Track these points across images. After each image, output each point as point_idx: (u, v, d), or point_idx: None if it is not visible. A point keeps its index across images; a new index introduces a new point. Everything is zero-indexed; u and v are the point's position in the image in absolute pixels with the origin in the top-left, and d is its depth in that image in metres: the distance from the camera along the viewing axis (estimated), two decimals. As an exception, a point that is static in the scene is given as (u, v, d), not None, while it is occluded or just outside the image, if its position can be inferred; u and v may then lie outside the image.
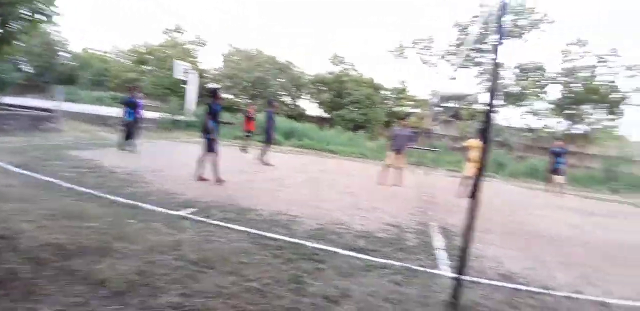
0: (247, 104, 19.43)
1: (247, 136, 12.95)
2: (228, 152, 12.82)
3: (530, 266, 4.38)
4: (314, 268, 3.37)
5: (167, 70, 24.36)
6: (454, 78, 24.45)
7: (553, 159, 12.17)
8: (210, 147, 6.90)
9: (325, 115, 28.14)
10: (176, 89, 23.94)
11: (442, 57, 24.33)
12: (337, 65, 29.51)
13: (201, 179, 6.82)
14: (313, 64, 49.50)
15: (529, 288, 3.69)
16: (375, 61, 48.06)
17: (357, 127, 23.57)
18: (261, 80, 25.74)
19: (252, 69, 26.29)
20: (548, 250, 5.30)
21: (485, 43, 21.04)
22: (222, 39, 56.74)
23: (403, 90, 25.81)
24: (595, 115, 21.41)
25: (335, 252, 3.88)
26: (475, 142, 8.74)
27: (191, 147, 11.02)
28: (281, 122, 18.97)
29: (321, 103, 27.44)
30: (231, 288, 2.84)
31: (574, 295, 3.67)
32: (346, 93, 24.63)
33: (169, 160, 9.40)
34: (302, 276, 3.16)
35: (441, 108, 25.16)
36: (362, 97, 23.87)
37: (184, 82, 21.24)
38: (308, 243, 4.03)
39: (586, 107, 21.00)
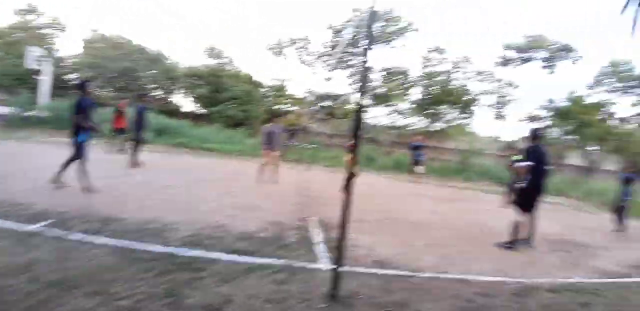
0: (118, 98, 17.68)
1: (116, 134, 11.75)
2: (93, 152, 11.58)
3: (401, 252, 4.85)
4: (191, 278, 3.21)
5: (18, 58, 20.75)
6: (330, 79, 25.52)
7: (413, 152, 13.72)
8: (79, 150, 6.03)
9: (202, 111, 27.06)
10: (28, 80, 20.58)
11: (318, 57, 25.26)
12: (214, 58, 28.58)
13: (60, 185, 5.98)
14: (188, 57, 47.15)
15: (400, 272, 4.06)
16: (254, 57, 47.44)
17: (236, 124, 23.14)
18: (129, 71, 23.51)
19: (118, 59, 23.88)
20: (415, 234, 5.93)
21: (358, 47, 22.49)
22: (85, 24, 50.67)
23: (282, 88, 26.11)
24: (451, 114, 24.53)
25: (214, 258, 3.75)
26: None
27: (48, 147, 9.68)
28: (152, 118, 17.71)
29: (197, 99, 26.26)
30: (98, 309, 2.57)
31: (440, 275, 4.16)
32: (224, 89, 23.95)
33: (19, 163, 8.06)
34: (179, 288, 2.98)
35: (317, 107, 26.18)
36: (242, 93, 23.48)
37: (37, 72, 18.44)
38: (184, 252, 3.82)
39: (443, 107, 23.88)
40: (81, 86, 6.45)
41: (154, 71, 25.01)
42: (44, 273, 2.94)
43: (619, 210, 8.53)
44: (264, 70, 52.05)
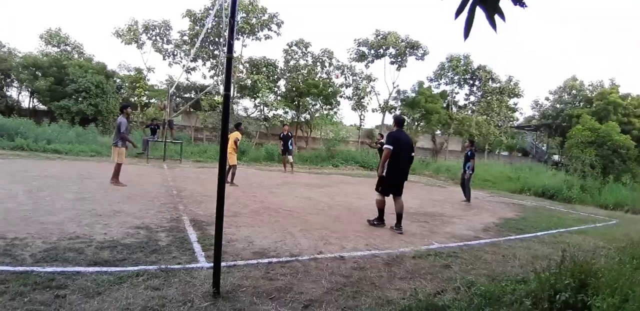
0: None
1: None
2: None
3: (278, 239, 4.92)
4: (53, 297, 2.76)
5: None
6: (192, 69, 24.32)
7: (282, 142, 14.26)
8: None
9: (43, 107, 23.46)
10: None
11: (178, 46, 23.83)
12: (55, 45, 24.85)
13: None
14: (26, 43, 40.31)
15: (280, 259, 4.12)
16: (106, 44, 42.86)
17: (86, 120, 20.59)
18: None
19: None
20: (291, 221, 6.07)
21: (220, 36, 21.77)
22: None
23: (139, 79, 24.02)
24: (316, 106, 25.55)
25: (76, 272, 3.28)
26: (233, 134, 9.62)
27: None
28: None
29: (36, 93, 22.60)
30: None
31: (318, 256, 4.34)
32: (69, 80, 20.98)
33: None
34: (40, 310, 2.58)
35: (180, 99, 24.81)
36: (91, 85, 20.86)
37: None
38: (40, 269, 3.27)
39: (308, 99, 24.71)
40: None
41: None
42: None
43: (464, 183, 9.98)
44: (117, 59, 47.33)
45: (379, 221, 6.31)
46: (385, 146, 6.08)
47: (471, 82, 30.22)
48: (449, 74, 29.68)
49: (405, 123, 6.55)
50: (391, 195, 6.17)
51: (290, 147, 14.40)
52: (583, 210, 10.99)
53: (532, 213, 9.34)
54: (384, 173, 6.04)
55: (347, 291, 3.37)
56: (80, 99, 20.77)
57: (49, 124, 17.37)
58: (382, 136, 15.39)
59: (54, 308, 2.64)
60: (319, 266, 3.99)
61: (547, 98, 35.19)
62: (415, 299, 3.22)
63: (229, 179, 9.32)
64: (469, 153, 9.87)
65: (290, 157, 14.33)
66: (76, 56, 25.17)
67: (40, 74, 22.17)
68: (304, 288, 3.38)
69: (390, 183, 6.09)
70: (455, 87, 30.73)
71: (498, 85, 29.89)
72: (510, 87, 30.01)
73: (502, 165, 21.91)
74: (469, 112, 31.68)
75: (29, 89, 23.12)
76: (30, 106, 24.31)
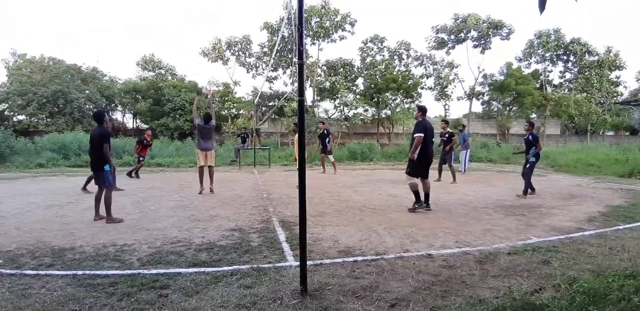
0: (52, 124, 16.33)
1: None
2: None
3: (363, 238, 4.91)
4: (156, 296, 3.07)
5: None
6: (274, 78, 25.36)
7: (321, 141, 13.41)
8: (107, 178, 5.93)
9: (145, 125, 26.14)
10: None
11: (259, 58, 25.00)
12: (150, 70, 27.59)
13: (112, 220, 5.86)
14: (125, 70, 45.59)
15: (365, 258, 4.10)
16: (195, 63, 46.60)
17: (183, 134, 22.55)
18: (61, 94, 22.18)
19: (47, 82, 22.45)
20: (375, 219, 6.02)
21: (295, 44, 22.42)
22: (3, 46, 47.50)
23: (228, 93, 25.66)
24: (397, 100, 25.11)
25: (177, 273, 3.61)
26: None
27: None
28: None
29: (138, 114, 25.30)
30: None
31: (404, 254, 4.25)
32: (166, 100, 23.15)
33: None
34: (145, 309, 2.85)
35: (265, 108, 25.99)
36: (185, 103, 22.82)
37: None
38: (145, 271, 3.65)
39: (387, 94, 24.39)
40: (99, 117, 6.18)
41: (87, 91, 23.69)
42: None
43: (524, 173, 8.46)
44: (206, 76, 51.04)
45: (418, 203, 6.72)
46: (416, 134, 6.60)
47: (565, 57, 27.49)
48: (539, 51, 27.30)
49: (426, 112, 7.10)
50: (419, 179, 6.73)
51: (328, 145, 13.64)
52: None
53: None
54: (415, 158, 6.59)
55: (436, 290, 3.25)
56: (177, 116, 22.82)
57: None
58: (463, 127, 14.52)
59: (157, 307, 2.91)
60: (406, 265, 3.91)
61: (654, 67, 30.69)
62: (510, 298, 3.00)
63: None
64: (530, 137, 8.33)
65: (330, 157, 13.71)
66: (170, 78, 27.63)
67: (140, 97, 24.81)
68: (390, 286, 3.33)
69: (420, 167, 6.67)
70: (548, 65, 28.21)
71: (596, 58, 26.79)
72: (610, 59, 26.71)
73: (608, 147, 19.47)
74: (566, 90, 28.83)
75: (132, 111, 25.94)
76: (134, 126, 27.16)
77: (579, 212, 6.65)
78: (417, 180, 6.72)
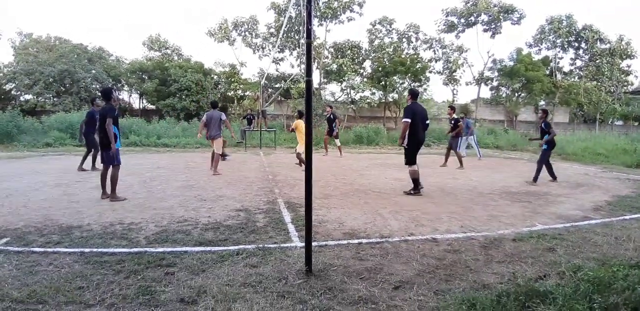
0: (59, 103, 16.10)
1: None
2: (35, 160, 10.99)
3: (368, 221, 4.93)
4: (163, 274, 3.11)
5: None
6: (280, 60, 25.07)
7: (328, 124, 13.29)
8: (117, 157, 5.94)
9: (151, 106, 26.06)
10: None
11: (265, 39, 24.64)
12: (156, 50, 27.35)
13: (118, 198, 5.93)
14: (131, 50, 45.24)
15: (370, 240, 4.13)
16: (201, 44, 46.10)
17: (189, 115, 22.48)
18: (67, 73, 22.08)
19: (54, 62, 22.33)
20: (380, 202, 6.05)
21: (302, 25, 22.03)
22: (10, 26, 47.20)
23: (234, 74, 25.41)
24: (404, 84, 24.81)
25: (184, 252, 3.65)
26: (301, 122, 9.48)
27: None
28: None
29: (145, 94, 25.21)
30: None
31: (409, 238, 4.27)
32: (172, 81, 23.00)
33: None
34: (152, 286, 2.89)
35: (271, 90, 25.80)
36: (191, 84, 22.66)
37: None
38: (152, 249, 3.70)
39: (395, 78, 24.07)
40: (107, 94, 6.10)
41: (93, 71, 23.55)
42: (10, 291, 2.76)
43: (540, 160, 8.45)
44: (213, 57, 50.65)
45: (416, 189, 6.78)
46: (403, 119, 6.63)
47: (576, 44, 26.94)
48: (550, 37, 26.74)
49: (418, 95, 7.16)
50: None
51: (335, 129, 13.58)
52: None
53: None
54: (405, 144, 6.65)
55: (440, 274, 3.27)
56: (183, 97, 22.68)
57: (157, 121, 19.36)
58: (465, 114, 14.32)
59: (163, 284, 2.95)
60: (410, 248, 3.92)
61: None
62: (514, 284, 3.00)
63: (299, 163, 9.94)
64: (543, 125, 8.32)
65: (337, 141, 13.63)
66: (176, 58, 27.37)
67: (146, 77, 24.64)
68: (394, 269, 3.35)
69: (414, 151, 6.68)
70: (559, 52, 27.68)
71: (607, 46, 26.20)
72: (621, 47, 26.12)
73: (617, 136, 19.24)
74: (576, 78, 28.35)
75: (138, 91, 25.80)
76: (140, 106, 27.11)
77: (585, 200, 6.61)
78: (416, 167, 6.72)
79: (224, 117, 8.94)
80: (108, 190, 5.97)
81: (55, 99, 22.82)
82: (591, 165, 12.33)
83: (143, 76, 24.91)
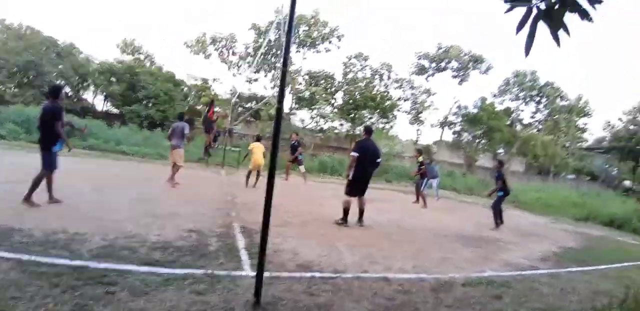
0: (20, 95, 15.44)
1: None
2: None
3: (323, 253, 4.85)
4: (102, 293, 2.90)
5: None
6: (255, 80, 25.19)
7: (292, 152, 13.44)
8: (53, 161, 5.49)
9: (115, 110, 25.23)
10: None
11: (242, 58, 24.80)
12: (129, 54, 26.82)
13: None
14: (103, 50, 44.02)
15: (323, 274, 4.05)
16: (176, 54, 45.57)
17: (153, 124, 21.87)
18: (33, 65, 21.12)
19: (21, 51, 21.35)
20: (338, 235, 6.01)
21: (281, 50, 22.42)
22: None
23: (205, 88, 25.17)
24: (372, 119, 25.45)
25: (128, 270, 3.43)
26: (256, 144, 9.98)
27: None
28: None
29: (110, 97, 24.43)
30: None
31: (362, 275, 4.23)
32: (141, 87, 22.46)
33: None
34: (89, 305, 2.68)
35: (242, 108, 25.71)
36: (160, 92, 22.18)
37: None
38: (95, 264, 3.45)
39: (364, 112, 24.69)
40: (55, 91, 5.72)
41: (61, 66, 22.69)
42: None
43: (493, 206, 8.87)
44: (185, 69, 50.15)
45: (343, 221, 6.83)
46: (351, 153, 6.91)
47: (537, 99, 28.77)
48: (514, 90, 28.46)
49: (373, 132, 7.35)
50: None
51: (300, 157, 13.76)
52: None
53: (597, 243, 8.62)
54: (350, 177, 6.84)
55: (390, 314, 3.24)
56: (149, 105, 22.15)
57: (119, 127, 18.67)
58: (431, 162, 14.81)
59: (102, 304, 2.75)
60: (362, 286, 3.88)
61: (620, 119, 32.64)
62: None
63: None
64: (497, 175, 8.93)
65: (301, 167, 13.84)
66: (148, 65, 26.93)
67: (114, 80, 23.91)
68: (345, 307, 3.29)
69: (356, 186, 6.82)
70: (521, 104, 29.43)
71: (567, 103, 28.17)
72: (580, 105, 28.16)
73: (568, 190, 20.40)
74: (535, 130, 30.10)
75: (104, 93, 24.95)
76: (104, 109, 26.21)
77: (534, 249, 6.86)
78: (352, 199, 6.86)
79: (187, 129, 8.80)
80: (54, 194, 5.61)
81: (16, 90, 21.71)
82: (542, 216, 12.89)
83: (111, 78, 24.18)
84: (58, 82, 22.41)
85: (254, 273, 3.56)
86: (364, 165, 6.76)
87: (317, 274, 4.03)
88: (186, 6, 47.49)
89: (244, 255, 4.33)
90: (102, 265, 3.47)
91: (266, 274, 3.51)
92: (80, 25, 45.92)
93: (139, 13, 47.56)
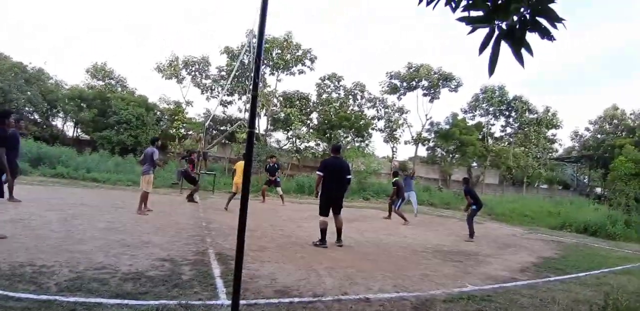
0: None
1: None
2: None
3: (302, 277, 4.74)
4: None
5: None
6: (228, 103, 25.13)
7: (269, 174, 13.50)
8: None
9: (85, 136, 24.63)
10: None
11: (216, 81, 24.78)
12: (100, 79, 26.44)
13: None
14: (73, 75, 43.34)
15: (302, 299, 3.94)
16: (148, 78, 45.44)
17: (125, 150, 21.41)
18: (1, 92, 20.43)
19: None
20: (316, 258, 5.88)
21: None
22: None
23: (179, 112, 24.94)
24: (348, 138, 25.67)
25: (97, 303, 3.26)
26: (240, 164, 9.88)
27: None
28: (27, 145, 15.67)
29: (80, 123, 23.86)
30: None
31: (342, 297, 4.13)
32: (112, 112, 22.04)
33: None
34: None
35: (216, 131, 25.54)
36: (132, 117, 21.81)
37: None
38: (63, 298, 3.28)
39: (340, 131, 24.89)
40: (3, 115, 5.47)
41: (29, 93, 22.04)
42: None
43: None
44: (158, 92, 49.75)
45: (321, 242, 6.77)
46: (317, 172, 7.02)
47: (507, 113, 29.66)
48: (483, 105, 29.30)
49: (341, 150, 7.41)
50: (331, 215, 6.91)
51: (278, 179, 13.91)
52: (628, 247, 10.14)
53: (573, 251, 8.74)
54: (318, 196, 6.93)
55: (372, 337, 3.16)
56: (121, 130, 21.70)
57: (90, 153, 18.19)
58: (412, 173, 15.08)
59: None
60: (343, 308, 3.79)
61: (587, 129, 34.03)
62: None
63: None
64: (465, 190, 9.55)
65: (279, 189, 13.85)
66: (119, 89, 26.56)
67: (84, 106, 23.40)
68: (325, 332, 3.20)
69: (327, 204, 6.85)
70: (491, 119, 30.25)
71: (535, 116, 29.13)
72: (548, 117, 29.17)
73: (542, 199, 20.88)
74: (506, 143, 30.95)
75: (74, 120, 24.35)
76: (74, 135, 25.56)
77: (513, 261, 6.91)
78: (326, 219, 6.83)
79: (156, 155, 8.63)
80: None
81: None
82: (518, 226, 13.10)
83: (82, 104, 23.67)
84: (26, 108, 21.79)
85: (229, 302, 3.45)
86: (332, 183, 6.83)
87: (296, 299, 3.92)
88: (159, 30, 47.65)
89: (219, 283, 4.19)
90: (71, 299, 3.31)
91: (242, 302, 3.41)
92: (50, 47, 45.29)
93: (110, 35, 47.34)
